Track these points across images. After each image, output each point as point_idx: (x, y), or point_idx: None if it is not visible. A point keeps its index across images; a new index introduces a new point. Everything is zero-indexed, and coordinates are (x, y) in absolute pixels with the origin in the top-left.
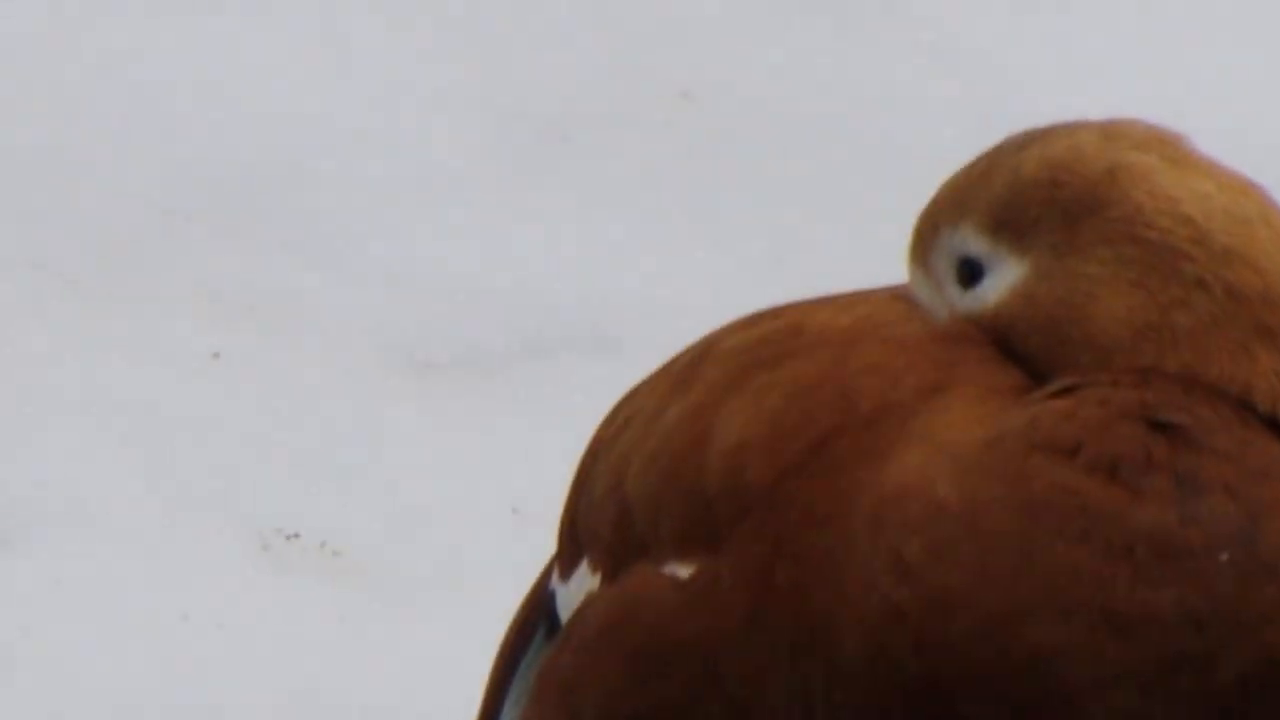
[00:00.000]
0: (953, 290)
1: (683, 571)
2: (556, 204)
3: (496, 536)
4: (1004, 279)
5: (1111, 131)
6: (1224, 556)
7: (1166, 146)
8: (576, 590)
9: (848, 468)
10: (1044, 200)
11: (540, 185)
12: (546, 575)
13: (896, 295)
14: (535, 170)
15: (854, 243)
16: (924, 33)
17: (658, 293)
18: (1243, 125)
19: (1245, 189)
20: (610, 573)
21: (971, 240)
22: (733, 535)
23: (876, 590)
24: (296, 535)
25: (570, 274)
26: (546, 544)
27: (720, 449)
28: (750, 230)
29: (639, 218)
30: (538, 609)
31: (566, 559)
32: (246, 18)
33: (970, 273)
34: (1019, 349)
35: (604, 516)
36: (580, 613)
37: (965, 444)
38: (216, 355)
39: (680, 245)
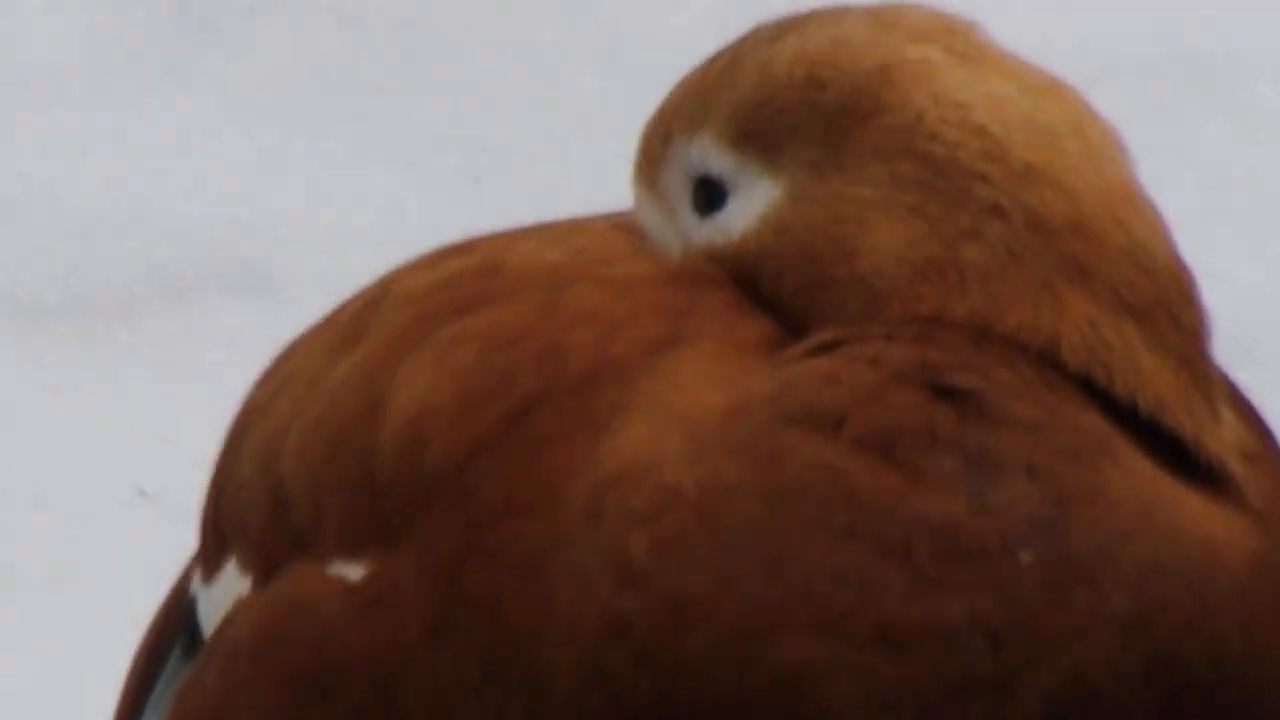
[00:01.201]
0: (689, 217)
1: (352, 573)
2: (194, 107)
3: (120, 524)
4: (752, 203)
5: (886, 18)
6: (1025, 556)
7: (955, 37)
8: (222, 595)
9: (557, 443)
10: (801, 104)
11: (173, 84)
12: (186, 576)
13: (619, 225)
14: (166, 64)
15: (570, 157)
16: None
17: (323, 219)
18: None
19: (1052, 91)
20: (264, 574)
21: (711, 154)
22: (413, 528)
23: (594, 597)
24: None
25: (213, 195)
26: (183, 535)
27: (396, 419)
28: (439, 140)
29: (298, 125)
30: (175, 618)
31: (210, 556)
32: None
33: (711, 195)
34: (770, 291)
35: (255, 503)
36: (227, 624)
37: (702, 414)
38: None
39: (351, 159)
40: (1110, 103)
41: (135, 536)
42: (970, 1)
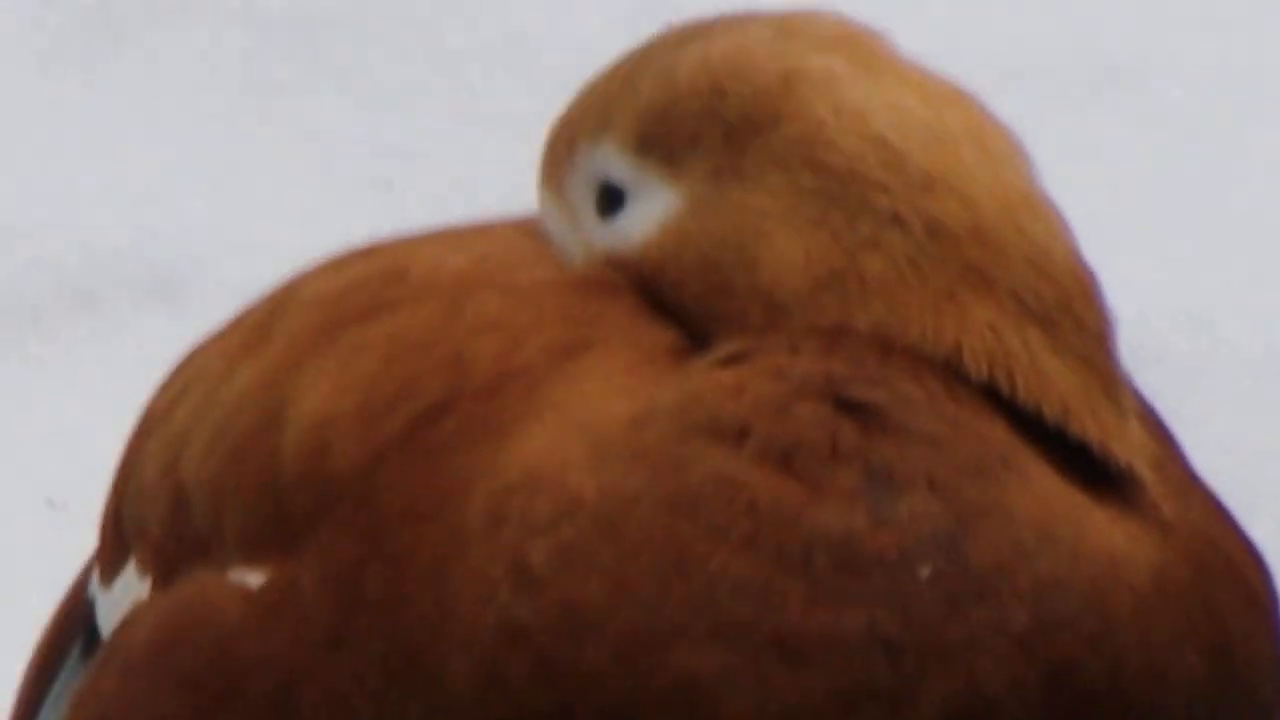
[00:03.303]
0: (592, 222)
1: (253, 579)
2: (101, 115)
3: (27, 534)
4: (653, 210)
5: (790, 27)
6: (925, 570)
7: (859, 47)
8: (122, 598)
9: (460, 449)
10: (703, 113)
11: (80, 92)
12: (85, 578)
13: (525, 230)
14: (73, 73)
15: (480, 160)
16: None
17: (229, 225)
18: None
19: (952, 99)
20: (164, 578)
21: (614, 161)
22: (315, 534)
23: (493, 603)
24: None
25: (119, 202)
26: (91, 543)
27: (299, 424)
28: (347, 145)
29: (207, 131)
30: (73, 619)
31: (110, 558)
32: None
33: (613, 201)
34: (672, 298)
35: (156, 508)
36: (126, 627)
37: (606, 422)
38: None
39: (257, 165)
40: (1017, 105)
41: (43, 545)
42: (877, 9)
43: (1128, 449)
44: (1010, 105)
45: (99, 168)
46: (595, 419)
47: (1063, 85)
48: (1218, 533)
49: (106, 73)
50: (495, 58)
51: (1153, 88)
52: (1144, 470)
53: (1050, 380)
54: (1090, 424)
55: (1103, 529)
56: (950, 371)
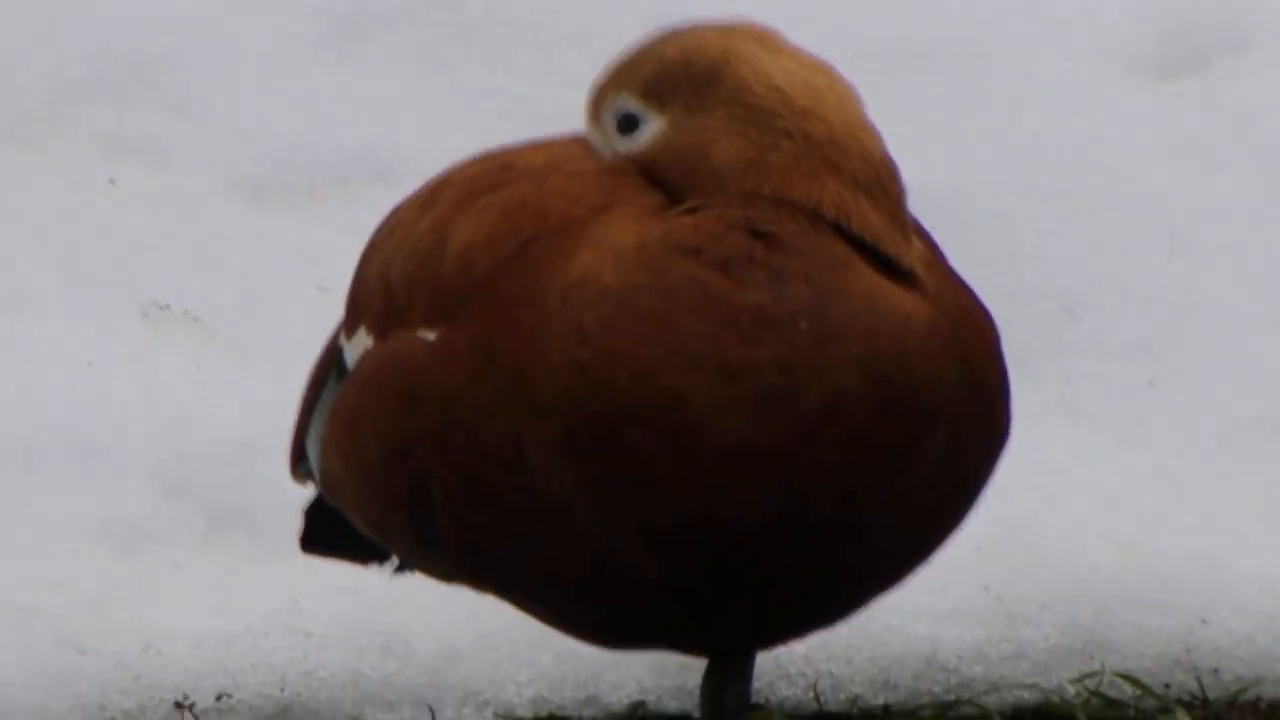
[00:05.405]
0: (616, 138)
1: (430, 336)
2: (356, 80)
3: (307, 310)
4: (651, 129)
5: (728, 27)
6: (803, 324)
7: (766, 38)
8: (357, 347)
9: (544, 263)
10: (680, 75)
11: (342, 66)
12: (337, 335)
13: (578, 140)
14: (336, 54)
15: (555, 103)
16: None
17: (420, 140)
18: None
19: (819, 67)
20: (380, 335)
21: (630, 102)
22: (464, 312)
23: (565, 350)
24: (168, 306)
25: (363, 127)
26: (340, 315)
27: (454, 249)
28: (485, 95)
29: (410, 87)
30: (331, 359)
31: (350, 324)
32: None
33: (628, 125)
34: (662, 179)
35: (376, 295)
36: (360, 363)
37: (623, 246)
38: (113, 181)
39: (437, 107)
40: (854, 73)
41: (316, 317)
42: (772, 14)
43: (911, 258)
44: (854, 73)
45: (351, 110)
46: (617, 245)
47: (883, 63)
48: (964, 301)
49: (356, 55)
50: (563, 49)
51: (940, 61)
52: (920, 269)
53: (870, 221)
54: (890, 245)
55: (900, 299)
56: (815, 216)
